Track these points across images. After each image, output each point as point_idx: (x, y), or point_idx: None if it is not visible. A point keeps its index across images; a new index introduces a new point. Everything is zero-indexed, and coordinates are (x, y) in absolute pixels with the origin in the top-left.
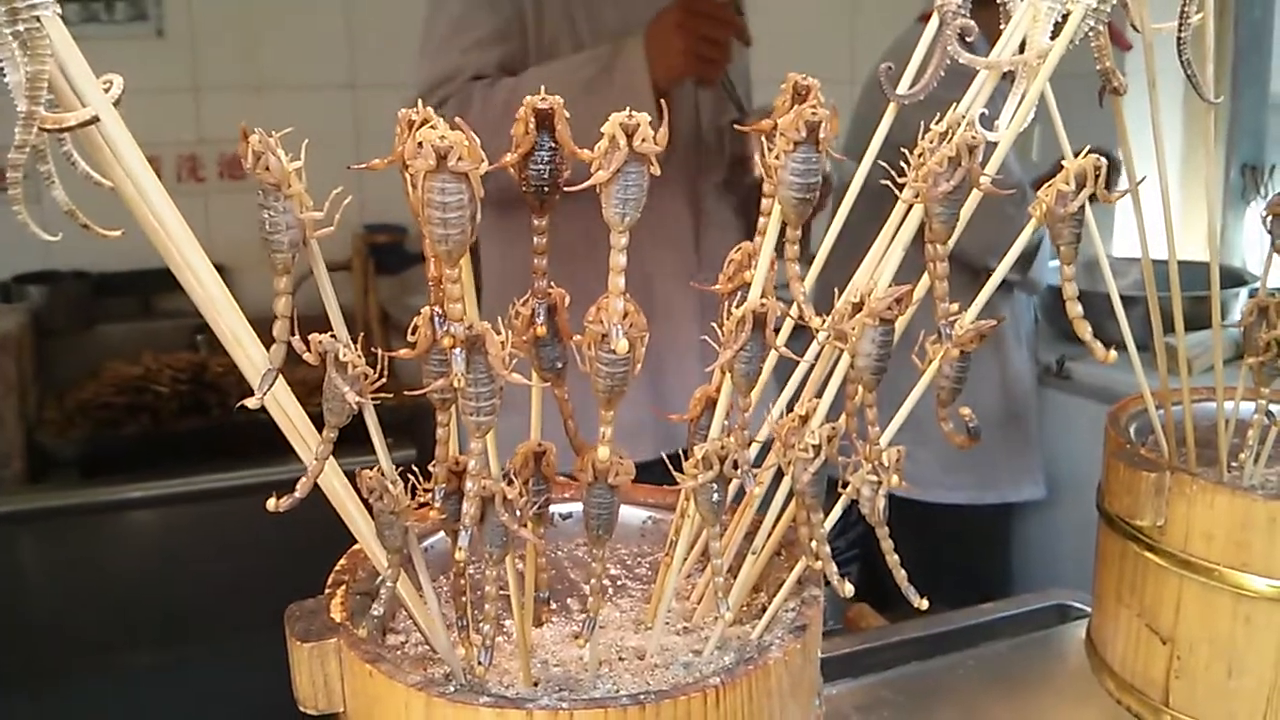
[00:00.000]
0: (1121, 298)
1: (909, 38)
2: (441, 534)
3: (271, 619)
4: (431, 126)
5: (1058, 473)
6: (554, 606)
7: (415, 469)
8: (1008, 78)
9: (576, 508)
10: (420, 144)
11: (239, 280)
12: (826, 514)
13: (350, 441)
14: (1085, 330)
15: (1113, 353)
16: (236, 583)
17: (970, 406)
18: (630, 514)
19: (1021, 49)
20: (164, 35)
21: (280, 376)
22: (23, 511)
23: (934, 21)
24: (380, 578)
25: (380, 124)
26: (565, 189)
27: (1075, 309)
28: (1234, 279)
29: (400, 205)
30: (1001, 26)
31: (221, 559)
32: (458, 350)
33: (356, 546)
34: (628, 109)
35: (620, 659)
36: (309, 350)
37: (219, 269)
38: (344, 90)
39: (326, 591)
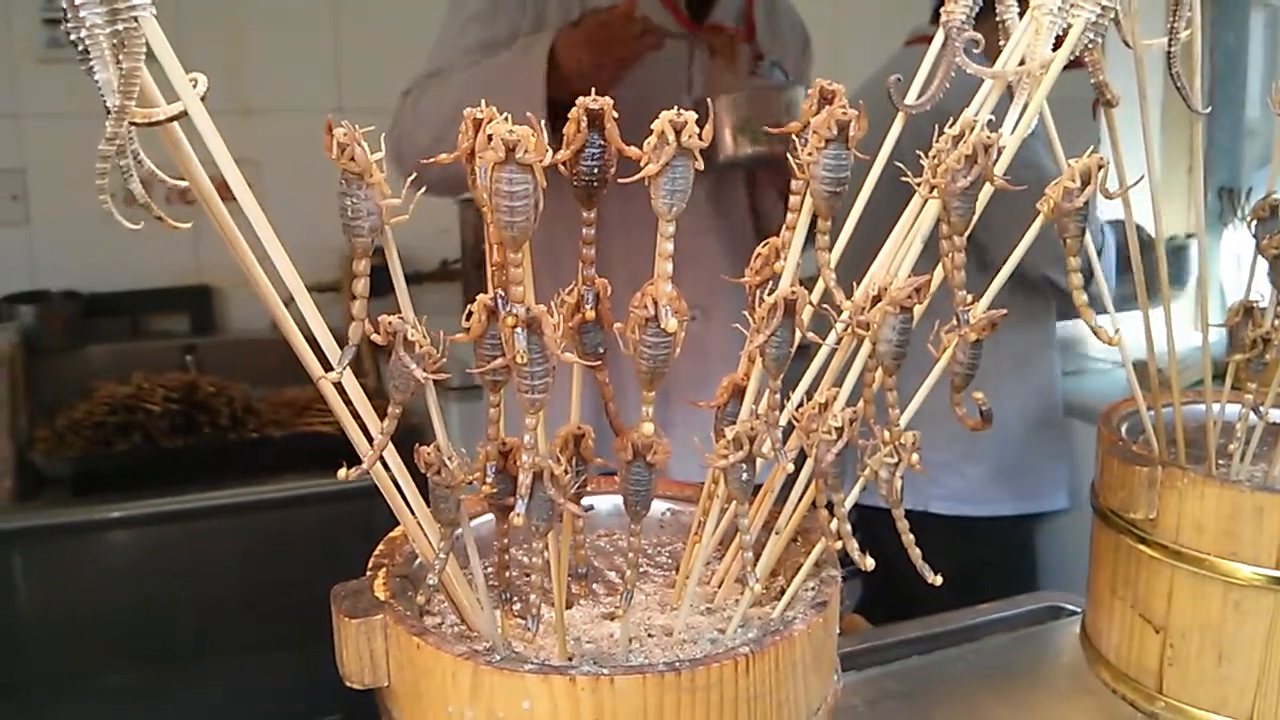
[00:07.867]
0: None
1: (896, 64)
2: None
3: (262, 637)
4: (495, 124)
5: None
6: (585, 589)
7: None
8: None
9: (601, 500)
10: (490, 137)
11: (226, 300)
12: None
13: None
14: (1091, 317)
15: (1116, 334)
16: (228, 601)
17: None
18: (651, 505)
19: (1022, 62)
20: (152, 58)
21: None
22: (14, 530)
23: (939, 36)
24: (427, 556)
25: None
26: (619, 181)
27: (1081, 297)
28: None
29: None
30: (1001, 43)
31: (212, 578)
32: (519, 330)
33: (393, 533)
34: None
35: (649, 635)
36: (378, 332)
37: (207, 290)
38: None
39: (369, 573)
